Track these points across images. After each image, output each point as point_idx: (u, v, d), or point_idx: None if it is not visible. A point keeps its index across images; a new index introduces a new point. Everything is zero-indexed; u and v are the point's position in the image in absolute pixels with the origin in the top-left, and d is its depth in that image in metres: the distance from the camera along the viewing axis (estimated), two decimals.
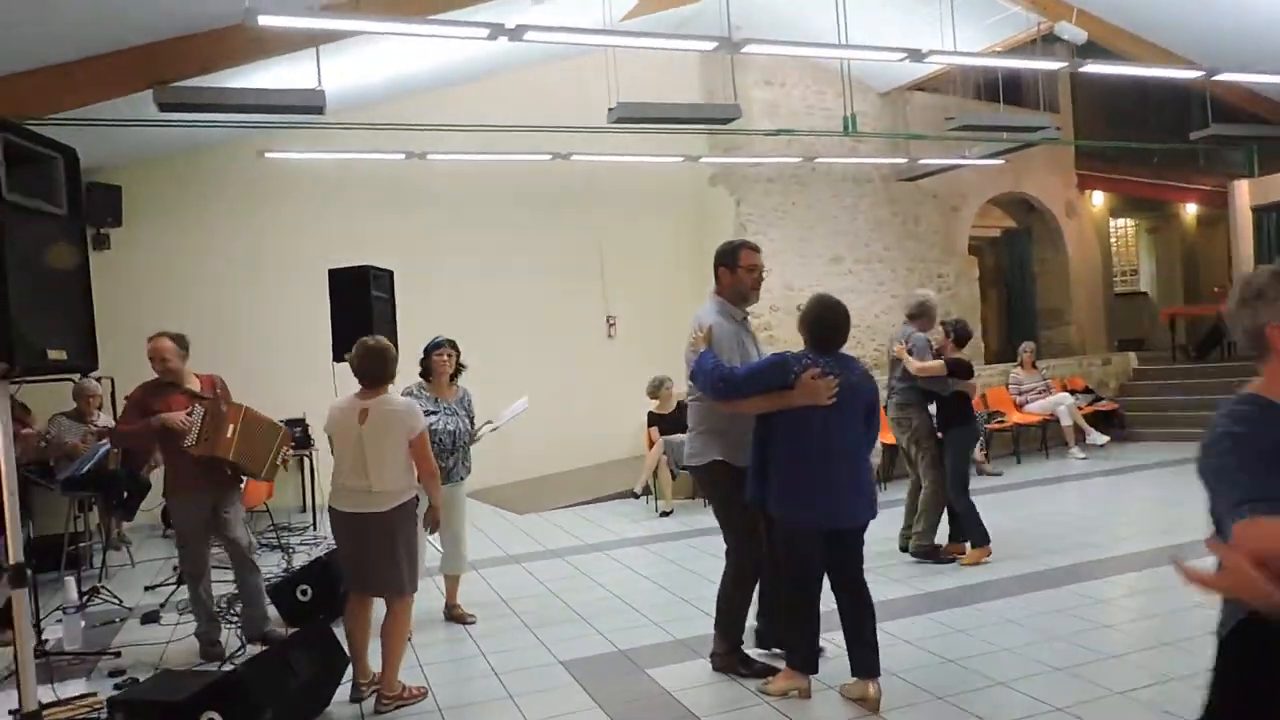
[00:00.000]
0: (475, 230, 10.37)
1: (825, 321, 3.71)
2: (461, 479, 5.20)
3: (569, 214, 10.95)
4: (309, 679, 3.72)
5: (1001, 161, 11.75)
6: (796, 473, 3.60)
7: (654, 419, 8.54)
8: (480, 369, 10.25)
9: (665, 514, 8.06)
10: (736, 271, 4.04)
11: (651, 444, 8.36)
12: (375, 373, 3.92)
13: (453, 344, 5.22)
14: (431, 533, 4.31)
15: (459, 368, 5.26)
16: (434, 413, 5.02)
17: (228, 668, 4.29)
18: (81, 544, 6.84)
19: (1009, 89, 11.95)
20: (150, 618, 5.54)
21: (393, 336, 7.29)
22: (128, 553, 7.19)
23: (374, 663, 3.97)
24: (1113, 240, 17.52)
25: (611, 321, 11.32)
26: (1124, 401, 11.57)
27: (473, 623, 5.12)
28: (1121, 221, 17.84)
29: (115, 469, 6.86)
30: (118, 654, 4.88)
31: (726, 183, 11.60)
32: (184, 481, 4.73)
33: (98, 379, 7.83)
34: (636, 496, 8.19)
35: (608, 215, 11.16)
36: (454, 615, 5.21)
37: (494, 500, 9.24)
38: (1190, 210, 17.48)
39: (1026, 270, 15.08)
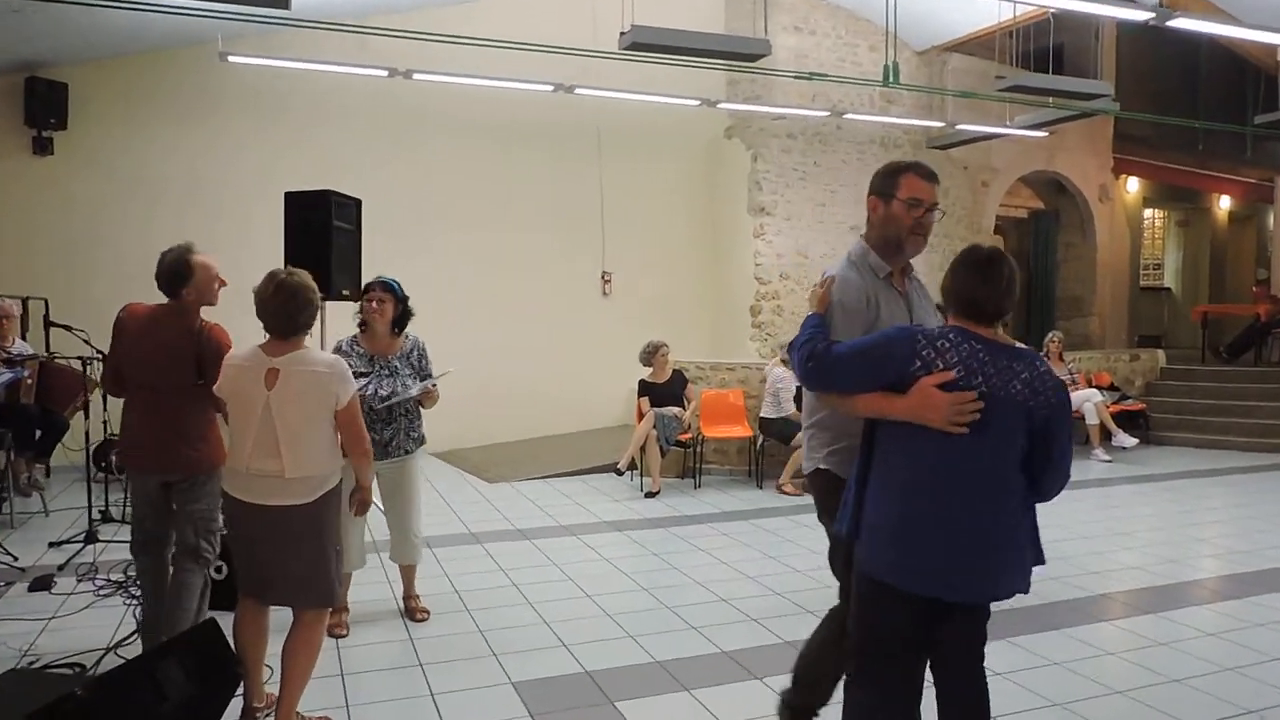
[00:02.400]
0: (462, 166, 9.42)
1: (976, 278, 2.29)
2: (408, 452, 4.33)
3: (568, 156, 9.99)
4: (183, 700, 2.89)
5: (1045, 133, 10.80)
6: (896, 505, 2.31)
7: (645, 388, 7.71)
8: (457, 322, 9.50)
9: (651, 495, 7.25)
10: (891, 204, 2.62)
11: (641, 416, 7.53)
12: (287, 318, 2.97)
13: (388, 285, 4.27)
14: (357, 515, 3.43)
15: (404, 315, 4.32)
16: (364, 374, 4.15)
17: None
18: None
19: (1053, 61, 10.98)
20: (41, 584, 4.71)
21: (356, 276, 6.44)
22: (40, 499, 6.35)
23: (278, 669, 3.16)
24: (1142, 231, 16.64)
25: (607, 278, 10.43)
26: (1149, 402, 10.78)
27: (424, 619, 4.31)
28: (1150, 212, 16.94)
29: (27, 403, 6.01)
30: None
31: (743, 136, 10.65)
32: (224, 443, 3.50)
33: (23, 299, 6.97)
34: (620, 473, 7.37)
35: (611, 161, 10.21)
36: (409, 607, 4.41)
37: (464, 464, 8.43)
38: (1224, 205, 16.57)
39: (1051, 255, 14.21)
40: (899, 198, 2.63)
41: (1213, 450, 9.90)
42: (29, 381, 5.96)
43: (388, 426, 4.23)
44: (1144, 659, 3.92)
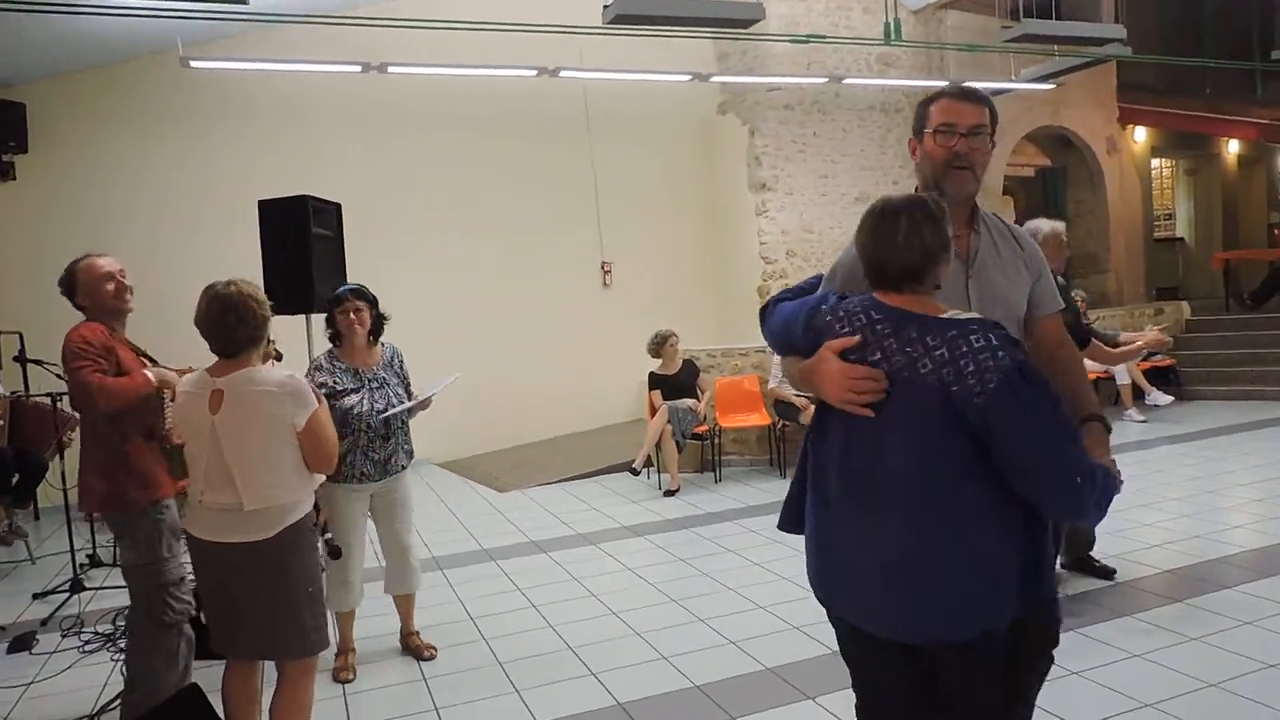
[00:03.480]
0: (447, 162, 8.99)
1: (869, 236, 1.86)
2: (403, 468, 3.95)
3: (558, 144, 9.57)
4: None
5: (1053, 85, 10.35)
6: (812, 505, 1.97)
7: (656, 381, 7.32)
8: (452, 324, 9.12)
9: (670, 493, 6.87)
10: (924, 139, 2.13)
11: (654, 410, 7.14)
12: (226, 335, 2.64)
13: (360, 292, 3.88)
14: (322, 534, 3.06)
15: (378, 322, 3.94)
16: (354, 390, 3.77)
17: None
18: None
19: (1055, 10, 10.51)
20: (20, 644, 4.34)
21: (340, 283, 6.01)
22: (25, 546, 5.99)
23: None
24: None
25: (607, 268, 10.02)
26: (1176, 356, 10.37)
27: (431, 657, 3.93)
28: (1158, 161, 16.47)
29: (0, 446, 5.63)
30: None
31: (738, 110, 10.22)
32: (164, 476, 3.20)
33: None
34: (636, 473, 6.99)
35: (603, 147, 9.78)
36: (410, 645, 4.02)
37: (472, 474, 8.05)
38: (1232, 150, 16.10)
39: (1062, 213, 13.76)
40: (930, 128, 2.11)
41: (1247, 402, 9.49)
42: (0, 423, 5.58)
43: (386, 444, 3.84)
44: (1230, 642, 3.53)
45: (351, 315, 3.80)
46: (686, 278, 10.43)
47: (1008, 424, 1.67)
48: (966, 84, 2.21)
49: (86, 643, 4.30)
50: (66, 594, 4.91)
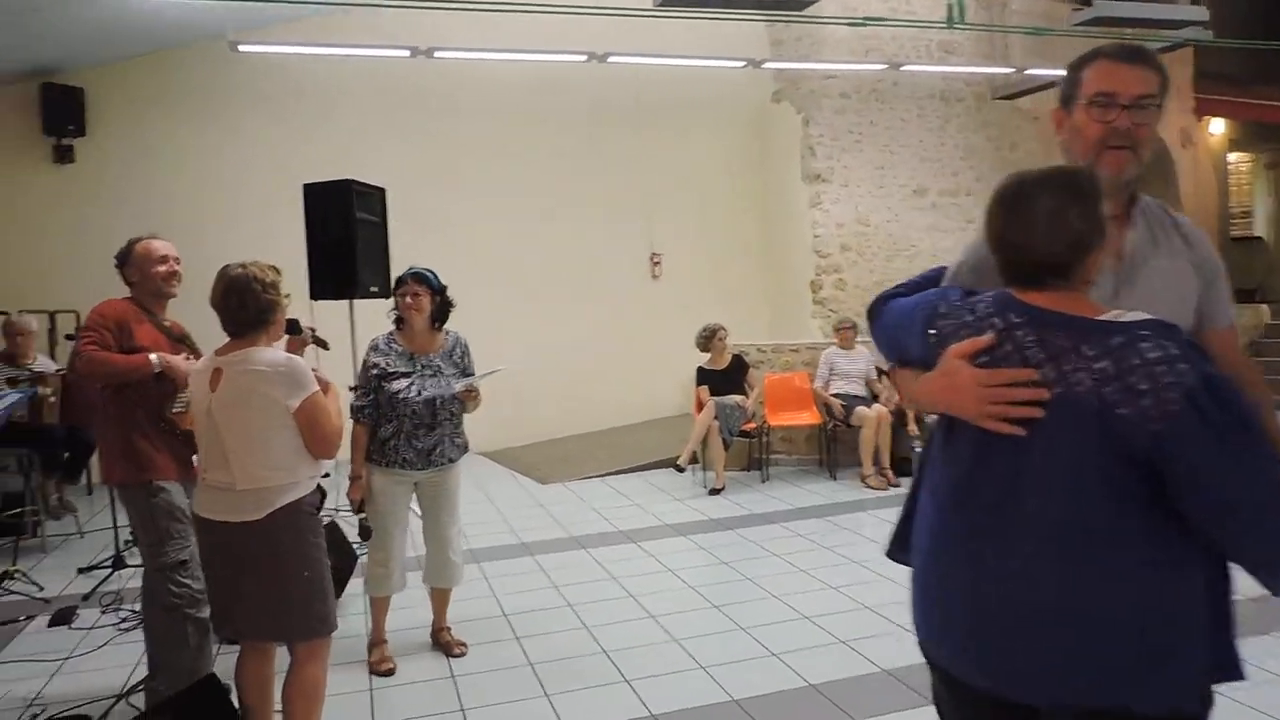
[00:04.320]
0: (493, 149, 8.89)
1: (999, 220, 1.53)
2: (452, 460, 3.82)
3: (606, 132, 9.42)
4: None
5: None
6: (923, 534, 1.65)
7: (704, 376, 7.14)
8: (497, 314, 9.03)
9: (715, 491, 6.70)
10: (1074, 111, 1.71)
11: (701, 406, 6.97)
12: (231, 314, 2.69)
13: (421, 277, 3.78)
14: (357, 512, 3.05)
15: (443, 308, 3.84)
16: (406, 374, 3.68)
17: None
18: (22, 509, 5.69)
19: None
20: (61, 618, 4.36)
21: (383, 269, 6.00)
22: (75, 520, 6.05)
23: None
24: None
25: (656, 259, 9.86)
26: (1256, 363, 9.86)
27: (461, 654, 3.83)
28: (1235, 155, 15.72)
29: (51, 423, 5.69)
30: None
31: (793, 98, 9.94)
32: (167, 459, 3.20)
33: (51, 314, 6.69)
34: (680, 470, 6.83)
35: (653, 135, 9.60)
36: (440, 641, 3.92)
37: (515, 464, 7.97)
38: None
39: None
40: (1081, 97, 1.67)
41: None
42: (52, 400, 5.64)
43: (431, 433, 3.72)
44: None
45: (409, 299, 3.72)
46: (737, 271, 10.21)
47: (1197, 455, 1.31)
48: (1131, 42, 1.76)
49: (123, 620, 4.31)
50: (109, 569, 4.94)
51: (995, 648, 1.47)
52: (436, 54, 7.29)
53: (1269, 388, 1.82)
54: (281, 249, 6.23)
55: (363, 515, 3.78)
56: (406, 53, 7.23)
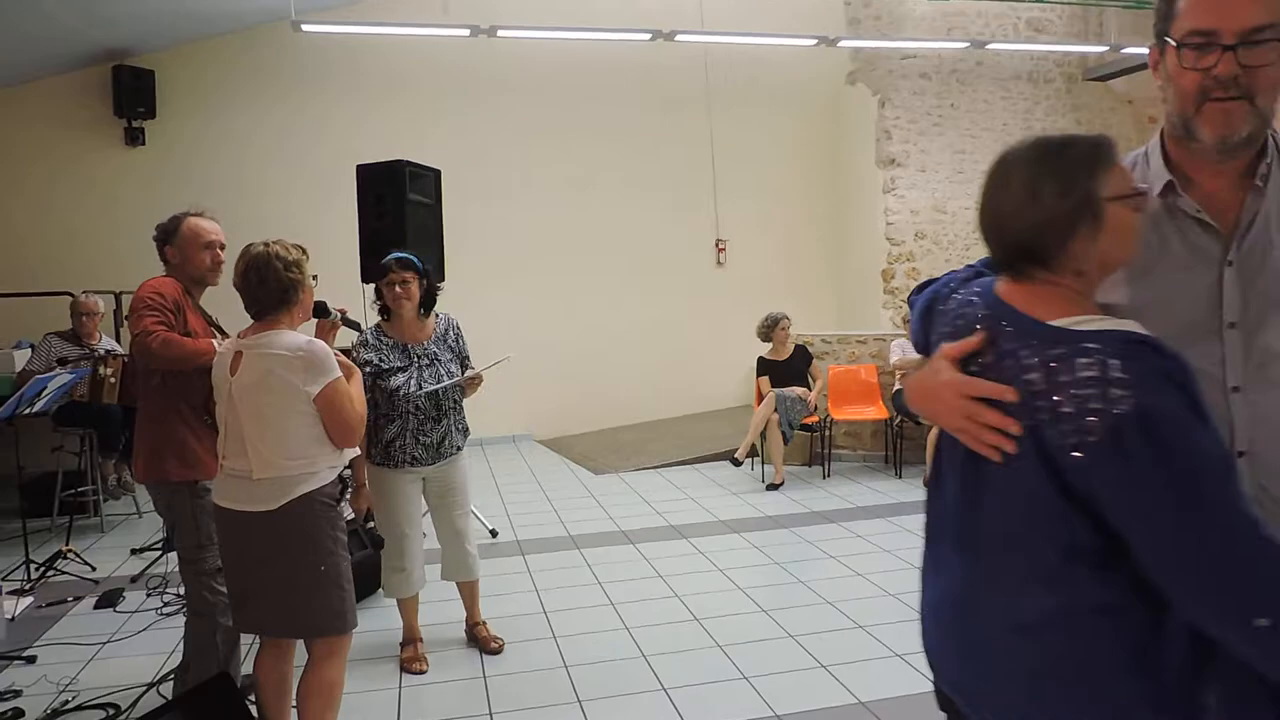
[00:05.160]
0: (556, 130, 8.74)
1: (981, 194, 1.30)
2: (459, 449, 3.66)
3: (672, 113, 9.18)
4: None
5: None
6: (924, 562, 1.49)
7: (765, 366, 6.87)
8: (558, 298, 8.92)
9: (773, 487, 6.43)
10: (1167, 54, 1.33)
11: (761, 398, 6.70)
12: (251, 295, 2.58)
13: (408, 262, 3.56)
14: (365, 524, 2.88)
15: (430, 293, 3.63)
16: (402, 368, 3.51)
17: None
18: (81, 488, 5.79)
19: None
20: (107, 600, 4.37)
21: (439, 254, 5.88)
22: (133, 500, 6.14)
23: None
24: None
25: (721, 246, 9.59)
26: None
27: (498, 650, 3.69)
28: None
29: (110, 404, 5.75)
30: (31, 659, 3.70)
31: (869, 79, 9.52)
32: (211, 458, 2.88)
33: (116, 294, 6.79)
34: (738, 463, 6.58)
35: (720, 117, 9.32)
36: (475, 636, 3.79)
37: (570, 453, 7.83)
38: None
39: None
40: (1173, 37, 1.30)
41: None
42: (112, 381, 5.70)
43: (437, 425, 3.56)
44: None
45: (398, 288, 3.52)
46: (805, 258, 9.87)
47: (1112, 495, 1.11)
48: None
49: (166, 604, 4.30)
50: (160, 552, 4.96)
51: (969, 678, 1.34)
52: (499, 33, 7.15)
53: None
54: (335, 231, 6.26)
55: (371, 525, 3.65)
56: (466, 31, 7.10)
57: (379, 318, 3.65)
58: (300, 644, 2.72)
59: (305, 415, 2.52)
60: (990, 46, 8.96)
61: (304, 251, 2.71)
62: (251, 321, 2.64)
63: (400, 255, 3.59)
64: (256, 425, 2.52)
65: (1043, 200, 1.20)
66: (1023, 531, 1.21)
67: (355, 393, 2.64)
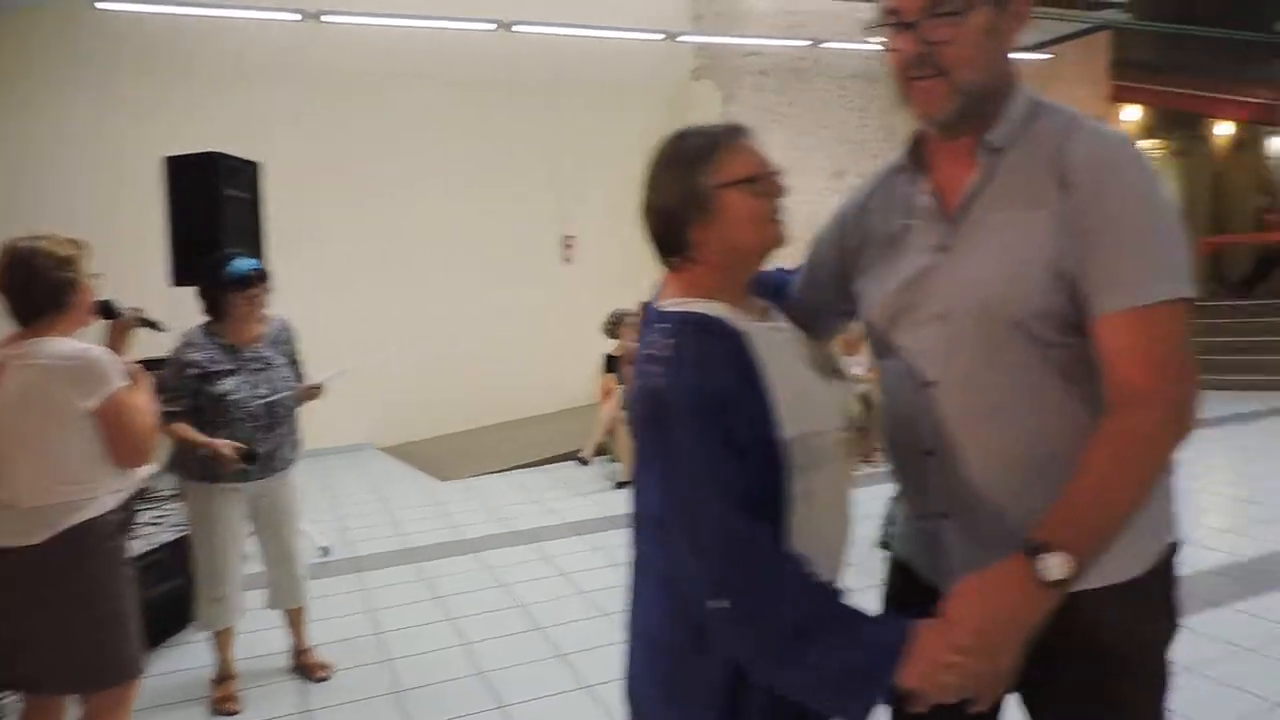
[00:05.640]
0: (392, 124, 8.33)
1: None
2: (290, 462, 3.39)
3: (516, 107, 8.95)
4: None
5: (1048, 55, 9.85)
6: None
7: (612, 363, 6.81)
8: (399, 299, 8.52)
9: (622, 485, 6.39)
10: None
11: (607, 395, 6.64)
12: (17, 296, 2.28)
13: (265, 274, 3.34)
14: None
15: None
16: (232, 371, 3.23)
17: None
18: None
19: None
20: None
21: (257, 253, 5.45)
22: None
23: None
24: None
25: (569, 242, 9.46)
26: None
27: (324, 678, 3.44)
28: (1147, 143, 16.00)
29: None
30: None
31: (714, 76, 9.63)
32: None
33: None
34: (584, 463, 6.49)
35: (566, 111, 9.17)
36: (301, 663, 3.52)
37: (415, 460, 7.52)
38: (1220, 132, 15.67)
39: None
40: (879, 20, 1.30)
41: (1240, 392, 9.15)
42: None
43: (269, 436, 3.28)
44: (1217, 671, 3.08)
45: (252, 298, 3.25)
46: (654, 255, 9.89)
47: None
48: None
49: None
50: None
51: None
52: (324, 18, 6.74)
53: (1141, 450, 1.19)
54: (141, 231, 5.72)
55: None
56: (297, 16, 6.64)
57: (207, 316, 3.32)
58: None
59: (77, 433, 2.23)
60: (824, 45, 9.22)
61: (78, 246, 2.40)
62: (19, 329, 2.31)
63: (258, 267, 3.30)
64: (18, 448, 2.20)
65: (661, 193, 1.33)
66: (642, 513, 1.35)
67: (143, 403, 2.36)
